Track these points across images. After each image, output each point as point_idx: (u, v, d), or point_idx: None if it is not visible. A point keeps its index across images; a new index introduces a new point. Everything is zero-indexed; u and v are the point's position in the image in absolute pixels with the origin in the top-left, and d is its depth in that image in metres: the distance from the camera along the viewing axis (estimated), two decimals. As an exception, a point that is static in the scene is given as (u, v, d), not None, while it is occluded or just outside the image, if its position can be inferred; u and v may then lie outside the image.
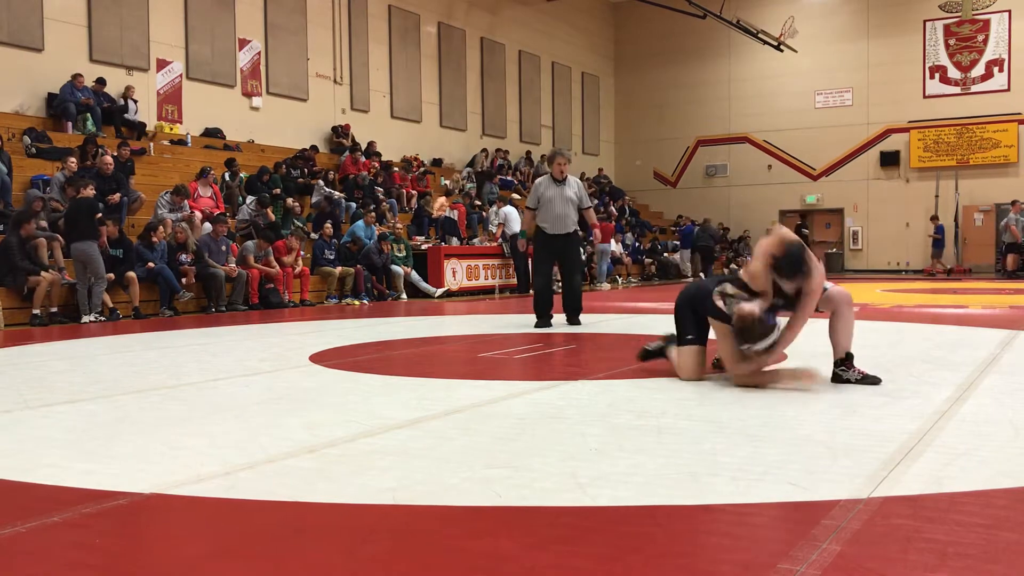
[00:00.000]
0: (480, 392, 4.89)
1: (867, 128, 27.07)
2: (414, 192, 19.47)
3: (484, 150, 24.01)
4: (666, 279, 23.71)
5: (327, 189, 16.62)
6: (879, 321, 9.24)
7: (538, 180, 9.04)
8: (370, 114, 21.18)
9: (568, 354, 6.95)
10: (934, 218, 25.20)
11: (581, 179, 27.28)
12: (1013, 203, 22.80)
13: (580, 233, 9.24)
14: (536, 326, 8.72)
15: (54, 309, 10.47)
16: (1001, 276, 22.30)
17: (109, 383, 5.37)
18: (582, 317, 9.28)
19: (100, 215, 10.93)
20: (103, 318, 10.55)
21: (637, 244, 24.21)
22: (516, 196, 22.11)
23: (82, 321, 10.44)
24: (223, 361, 6.52)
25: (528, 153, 25.97)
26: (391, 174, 19.31)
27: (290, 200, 15.23)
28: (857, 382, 4.78)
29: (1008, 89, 25.49)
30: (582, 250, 19.09)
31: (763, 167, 28.65)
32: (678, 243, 24.89)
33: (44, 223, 11.39)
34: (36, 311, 10.28)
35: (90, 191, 11.13)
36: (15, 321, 10.24)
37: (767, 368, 4.82)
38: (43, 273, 10.48)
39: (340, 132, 19.93)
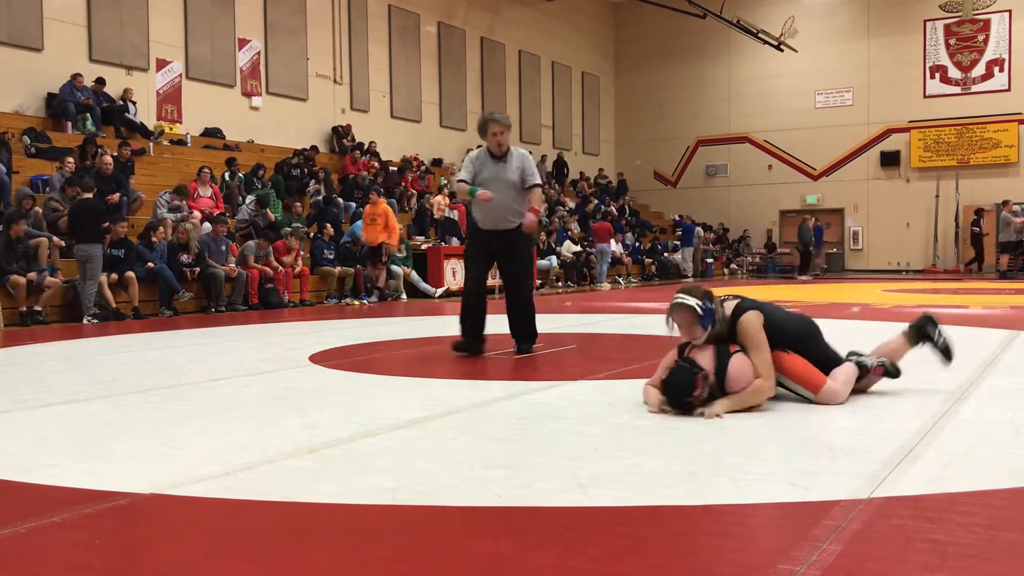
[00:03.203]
0: (480, 392, 4.89)
1: (867, 128, 27.07)
2: (414, 192, 19.46)
3: (476, 148, 23.95)
4: (666, 279, 23.71)
5: (320, 190, 16.65)
6: (879, 321, 9.24)
7: (473, 154, 6.80)
8: (370, 114, 21.18)
9: (568, 354, 6.94)
10: (814, 217, 25.85)
11: (580, 178, 27.55)
12: (1004, 203, 22.83)
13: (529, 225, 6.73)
14: (455, 347, 6.55)
15: (37, 308, 10.42)
16: (998, 276, 22.31)
17: (109, 383, 5.37)
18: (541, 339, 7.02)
19: (107, 224, 10.92)
20: (95, 320, 10.52)
21: (637, 244, 24.21)
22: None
23: (83, 320, 10.44)
24: (223, 361, 6.52)
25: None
26: (401, 175, 19.29)
27: (284, 201, 15.21)
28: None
29: (1008, 89, 25.49)
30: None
31: (763, 167, 28.65)
32: (678, 243, 24.89)
33: (43, 221, 11.39)
34: (23, 309, 10.25)
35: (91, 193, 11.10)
36: (15, 321, 10.24)
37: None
38: (46, 276, 10.48)
39: (342, 132, 19.92)
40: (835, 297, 14.04)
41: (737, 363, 4.09)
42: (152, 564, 2.31)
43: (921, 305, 11.80)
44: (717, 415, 3.94)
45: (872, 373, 4.43)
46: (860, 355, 4.53)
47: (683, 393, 3.97)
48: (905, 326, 4.72)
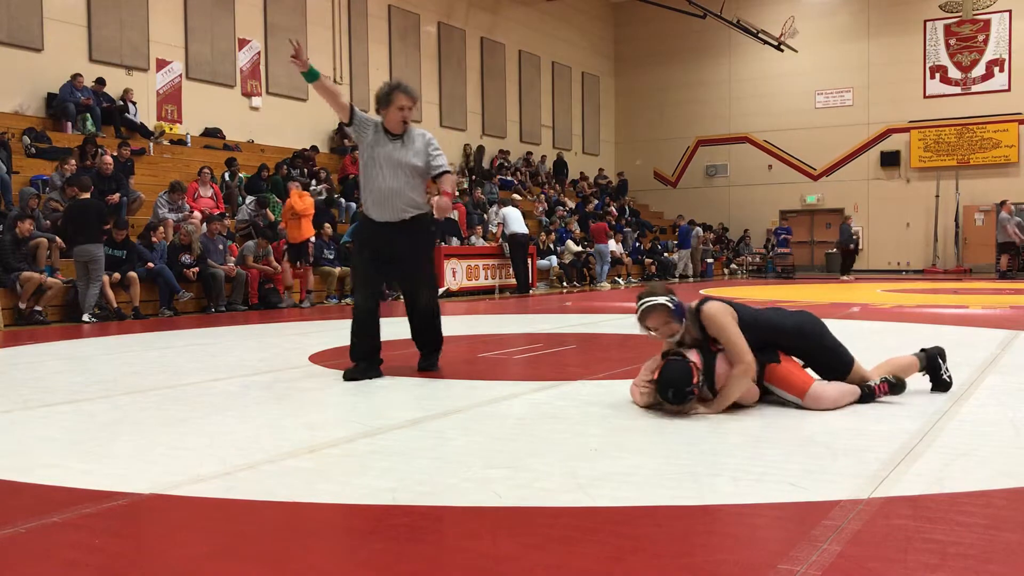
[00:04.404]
0: (480, 392, 4.89)
1: (867, 128, 27.08)
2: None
3: (479, 146, 23.92)
4: (666, 279, 23.71)
5: (322, 191, 16.63)
6: (879, 321, 9.24)
7: (368, 119, 5.62)
8: (370, 114, 21.13)
9: (568, 354, 6.95)
10: (784, 218, 27.09)
11: (580, 178, 27.56)
12: (1003, 203, 22.82)
13: (431, 219, 5.72)
14: (346, 375, 5.39)
15: (38, 308, 10.42)
16: (997, 276, 22.31)
17: (109, 383, 5.37)
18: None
19: (109, 225, 10.91)
20: (95, 319, 10.51)
21: (637, 244, 24.20)
22: (516, 196, 22.10)
23: (83, 320, 10.42)
24: (223, 361, 6.52)
25: (528, 154, 25.96)
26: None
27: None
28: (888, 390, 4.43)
29: (1008, 89, 25.49)
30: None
31: (763, 167, 28.65)
32: (678, 243, 24.90)
33: (47, 222, 11.38)
34: (22, 305, 10.25)
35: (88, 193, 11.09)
36: (13, 321, 10.23)
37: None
38: (46, 277, 10.47)
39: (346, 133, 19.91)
40: (835, 297, 14.04)
41: (723, 362, 4.10)
42: (152, 564, 2.31)
43: (921, 305, 11.80)
44: (704, 413, 4.01)
45: (877, 394, 4.30)
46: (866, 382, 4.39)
47: (684, 384, 3.94)
48: (918, 349, 4.65)
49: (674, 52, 29.22)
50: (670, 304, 4.12)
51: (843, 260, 23.69)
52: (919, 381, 4.74)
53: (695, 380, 3.96)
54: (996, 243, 23.15)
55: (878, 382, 4.33)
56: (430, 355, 5.80)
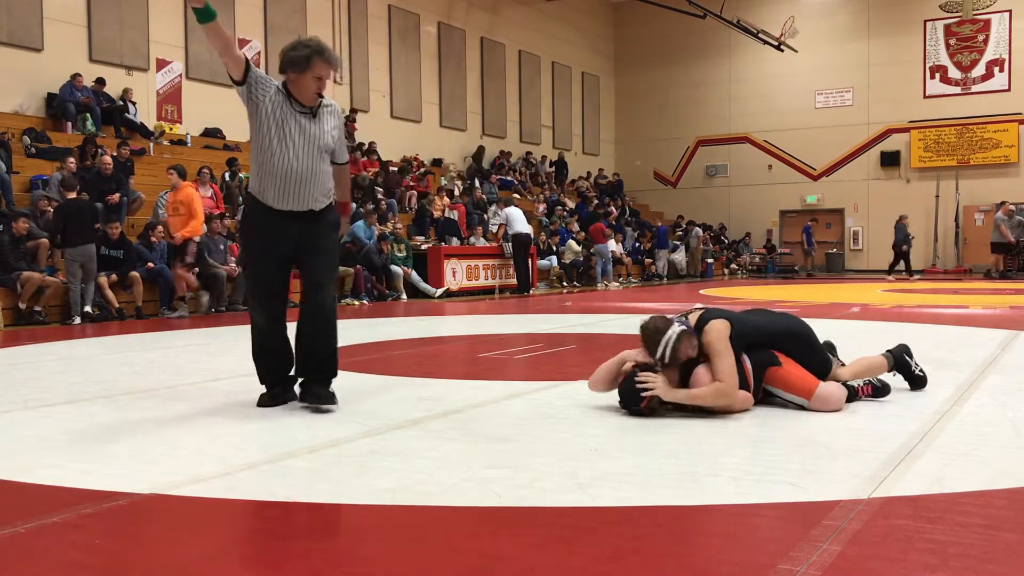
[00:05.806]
0: (480, 392, 4.89)
1: (867, 128, 27.07)
2: (414, 192, 19.45)
3: (479, 146, 23.95)
4: (667, 279, 23.70)
5: None
6: (879, 321, 9.24)
7: (267, 80, 4.63)
8: (370, 114, 21.17)
9: (568, 354, 6.94)
10: (813, 219, 27.22)
11: (579, 178, 27.60)
12: (1001, 204, 22.75)
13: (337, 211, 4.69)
14: (260, 402, 4.46)
15: (38, 308, 10.40)
16: (995, 276, 22.27)
17: (109, 383, 5.37)
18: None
19: (99, 226, 10.89)
20: (92, 321, 10.48)
21: (637, 244, 24.18)
22: (516, 196, 22.09)
23: (72, 322, 10.35)
24: (223, 361, 6.52)
25: (528, 154, 25.96)
26: (408, 176, 19.26)
27: None
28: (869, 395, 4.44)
29: (1008, 89, 25.49)
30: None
31: (763, 167, 28.65)
32: (678, 243, 24.86)
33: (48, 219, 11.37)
34: (22, 305, 10.24)
35: (82, 194, 11.06)
36: (13, 321, 10.22)
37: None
38: (46, 276, 10.45)
39: (347, 134, 19.93)
40: (835, 297, 14.04)
41: (700, 370, 4.09)
42: (152, 564, 2.31)
43: (921, 305, 11.80)
44: (659, 397, 3.98)
45: (860, 395, 4.34)
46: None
47: (633, 402, 4.06)
48: (884, 349, 4.72)
49: (674, 52, 29.22)
50: (680, 327, 4.08)
51: (895, 259, 23.22)
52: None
53: (644, 404, 4.02)
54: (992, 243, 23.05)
55: (862, 383, 4.36)
56: (323, 381, 4.37)
